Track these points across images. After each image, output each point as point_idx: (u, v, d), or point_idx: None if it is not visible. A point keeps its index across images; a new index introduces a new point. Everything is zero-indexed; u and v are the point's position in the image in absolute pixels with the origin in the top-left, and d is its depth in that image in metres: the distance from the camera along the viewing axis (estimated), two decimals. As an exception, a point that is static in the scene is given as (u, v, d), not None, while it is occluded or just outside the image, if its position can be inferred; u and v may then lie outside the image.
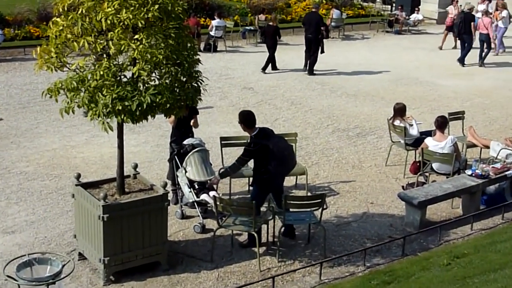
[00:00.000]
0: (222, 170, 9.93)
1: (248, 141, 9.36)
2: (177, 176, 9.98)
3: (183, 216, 10.08)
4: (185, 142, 10.10)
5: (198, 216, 9.84)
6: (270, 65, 20.33)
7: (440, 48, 24.63)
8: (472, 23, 22.01)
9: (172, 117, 9.95)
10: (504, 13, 23.52)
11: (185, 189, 9.89)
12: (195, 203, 9.81)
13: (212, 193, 9.79)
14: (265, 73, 20.06)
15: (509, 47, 24.38)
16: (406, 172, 12.14)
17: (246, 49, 24.02)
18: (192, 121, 10.63)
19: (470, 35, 21.99)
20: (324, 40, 20.70)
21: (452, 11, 25.17)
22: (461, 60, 22.04)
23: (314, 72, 20.20)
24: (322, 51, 20.43)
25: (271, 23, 20.75)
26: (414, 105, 16.67)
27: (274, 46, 20.37)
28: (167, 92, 7.54)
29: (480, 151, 12.72)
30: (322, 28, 20.30)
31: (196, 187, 9.96)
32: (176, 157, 9.99)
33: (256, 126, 9.22)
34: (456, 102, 17.44)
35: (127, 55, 7.56)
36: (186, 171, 9.84)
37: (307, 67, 20.31)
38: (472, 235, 9.82)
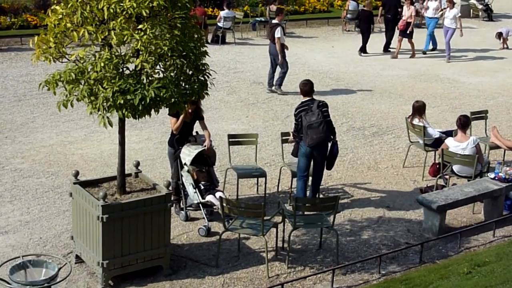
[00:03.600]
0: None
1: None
2: (182, 176, 9.98)
3: (187, 218, 10.07)
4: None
5: (203, 218, 9.83)
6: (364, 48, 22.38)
7: (395, 57, 22.08)
8: None
9: (178, 122, 9.97)
10: (453, 11, 21.93)
11: (190, 189, 9.89)
12: (200, 205, 9.82)
13: (218, 194, 9.79)
14: (361, 55, 22.10)
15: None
16: (425, 174, 12.13)
17: (256, 42, 24.00)
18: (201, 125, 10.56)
19: None
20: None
21: (405, 12, 22.15)
22: None
23: (389, 49, 22.75)
24: None
25: (365, 8, 22.50)
26: (434, 103, 16.63)
27: (369, 31, 22.32)
28: (172, 85, 7.53)
29: (504, 153, 12.66)
30: (399, 9, 22.70)
31: (202, 187, 9.96)
32: (180, 155, 10.01)
33: (312, 97, 10.34)
34: (478, 100, 17.37)
35: (130, 46, 7.55)
36: (186, 165, 9.88)
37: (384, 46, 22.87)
38: (494, 242, 9.80)
